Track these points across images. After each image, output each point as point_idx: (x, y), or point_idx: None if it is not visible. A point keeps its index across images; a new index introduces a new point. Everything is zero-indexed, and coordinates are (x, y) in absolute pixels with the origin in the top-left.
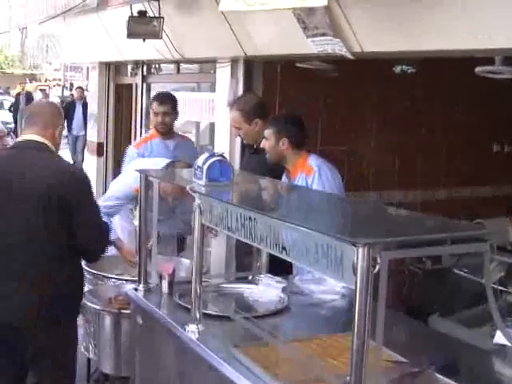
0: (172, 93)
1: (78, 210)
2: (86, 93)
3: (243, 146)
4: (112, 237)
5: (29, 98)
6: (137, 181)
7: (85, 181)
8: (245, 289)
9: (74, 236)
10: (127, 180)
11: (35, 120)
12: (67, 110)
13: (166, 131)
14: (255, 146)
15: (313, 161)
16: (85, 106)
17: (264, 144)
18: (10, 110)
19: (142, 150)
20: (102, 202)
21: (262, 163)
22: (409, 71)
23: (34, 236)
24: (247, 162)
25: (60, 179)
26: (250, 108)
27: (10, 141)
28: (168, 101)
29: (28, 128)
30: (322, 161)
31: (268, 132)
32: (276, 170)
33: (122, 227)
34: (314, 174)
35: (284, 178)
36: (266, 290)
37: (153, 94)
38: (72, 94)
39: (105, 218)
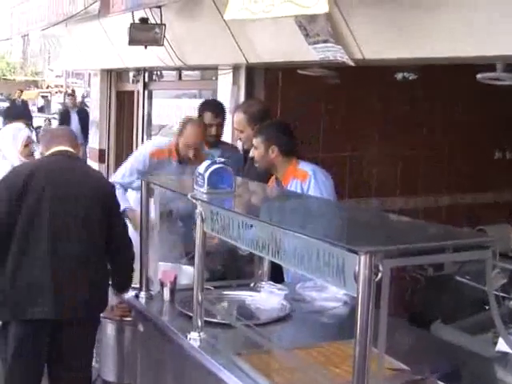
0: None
1: (115, 210)
2: (81, 99)
3: (244, 154)
4: (123, 206)
5: (25, 105)
6: (147, 148)
7: (114, 187)
8: (247, 296)
9: (112, 234)
10: (140, 152)
11: (62, 139)
12: (62, 120)
13: (216, 141)
14: None
15: (306, 166)
16: (80, 113)
17: (253, 153)
18: None
19: None
20: (119, 177)
21: (264, 174)
22: (410, 78)
23: (86, 235)
24: (248, 171)
25: (102, 184)
26: (255, 112)
27: (35, 148)
28: (222, 111)
29: (56, 144)
30: (314, 166)
31: (257, 141)
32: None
33: (135, 198)
34: (309, 178)
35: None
36: (267, 298)
37: (155, 101)
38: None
39: (120, 190)
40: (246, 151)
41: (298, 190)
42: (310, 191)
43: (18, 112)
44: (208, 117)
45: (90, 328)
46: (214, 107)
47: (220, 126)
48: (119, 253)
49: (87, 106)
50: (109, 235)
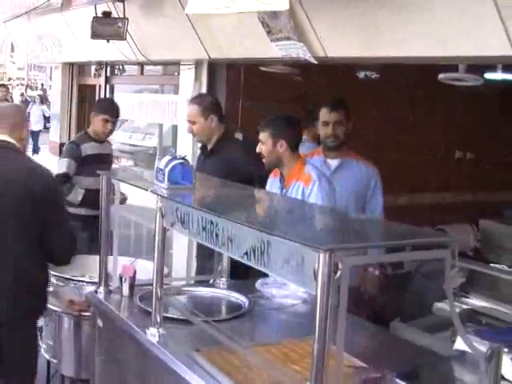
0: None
1: (51, 210)
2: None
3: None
4: None
5: None
6: None
7: (56, 182)
8: (206, 292)
9: (46, 237)
10: None
11: (2, 121)
12: None
13: (337, 145)
14: (209, 149)
15: (312, 170)
16: None
17: (260, 149)
18: None
19: None
20: None
21: (220, 167)
22: (372, 77)
23: (12, 234)
24: (202, 165)
25: (37, 179)
26: (207, 103)
27: None
28: (341, 107)
29: None
30: (320, 171)
31: (264, 135)
32: (233, 173)
33: None
34: (312, 183)
35: (273, 183)
36: (227, 294)
37: (117, 95)
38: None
39: None
40: (203, 145)
41: (299, 194)
42: (311, 197)
43: None
44: (323, 114)
45: (26, 329)
46: (331, 102)
47: (339, 125)
48: (57, 250)
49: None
50: (45, 234)
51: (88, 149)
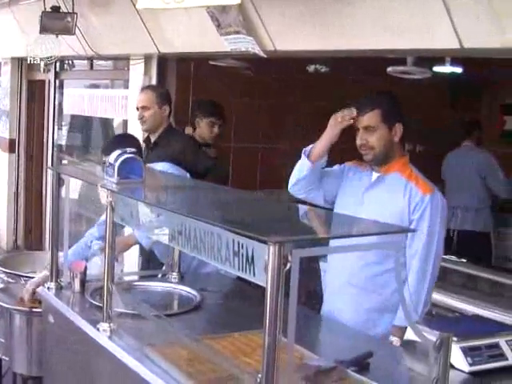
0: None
1: None
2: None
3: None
4: None
5: None
6: None
7: None
8: (158, 286)
9: None
10: None
11: None
12: None
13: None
14: (153, 141)
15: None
16: None
17: (362, 140)
18: None
19: None
20: None
21: (162, 160)
22: (322, 70)
23: None
24: (146, 157)
25: None
26: (164, 92)
27: None
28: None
29: None
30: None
31: (371, 117)
32: (177, 164)
33: None
34: (431, 193)
35: (365, 176)
36: (178, 288)
37: (66, 90)
38: None
39: None
40: (146, 138)
41: (401, 185)
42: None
43: None
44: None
45: None
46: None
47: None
48: None
49: None
50: None
51: None
